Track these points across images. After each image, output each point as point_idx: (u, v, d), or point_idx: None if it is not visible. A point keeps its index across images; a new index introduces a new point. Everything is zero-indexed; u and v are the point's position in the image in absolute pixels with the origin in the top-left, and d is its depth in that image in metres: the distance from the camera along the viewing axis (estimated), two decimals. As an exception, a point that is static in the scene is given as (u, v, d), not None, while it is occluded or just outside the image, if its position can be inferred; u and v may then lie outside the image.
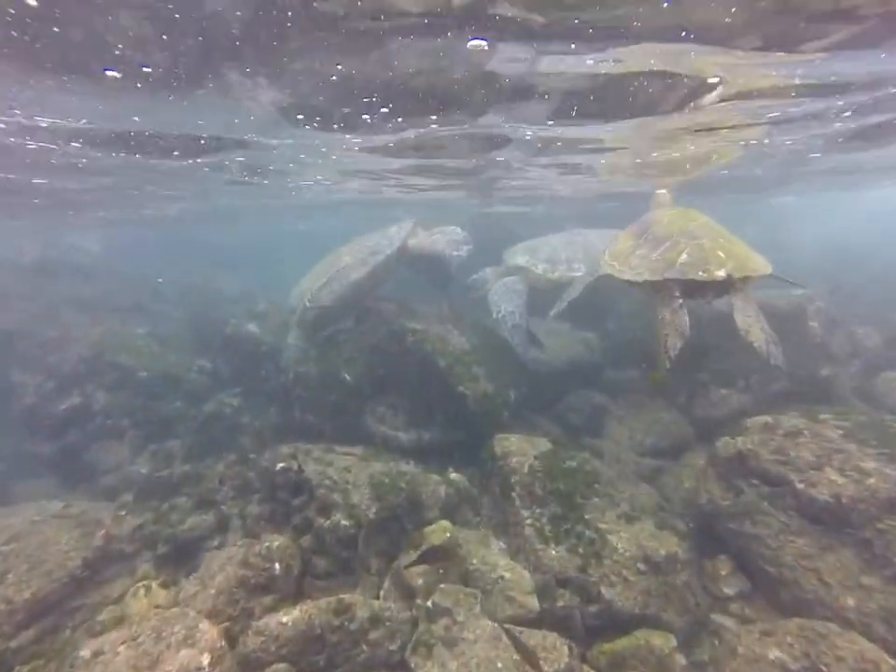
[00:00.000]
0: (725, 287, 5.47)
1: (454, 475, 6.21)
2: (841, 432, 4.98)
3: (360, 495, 5.21)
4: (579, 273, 8.10)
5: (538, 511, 5.18)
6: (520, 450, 5.90)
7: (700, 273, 5.29)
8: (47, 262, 12.53)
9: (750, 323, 5.39)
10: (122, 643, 3.55)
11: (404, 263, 8.97)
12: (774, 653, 3.76)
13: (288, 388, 7.38)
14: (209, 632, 3.58)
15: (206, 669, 3.36)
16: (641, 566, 4.56)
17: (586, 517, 5.03)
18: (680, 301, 5.42)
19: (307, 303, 8.01)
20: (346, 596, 4.39)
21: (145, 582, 4.67)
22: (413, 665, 4.16)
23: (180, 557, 5.25)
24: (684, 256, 5.45)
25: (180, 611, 3.85)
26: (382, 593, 4.79)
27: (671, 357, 5.19)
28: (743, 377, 6.98)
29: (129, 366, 8.39)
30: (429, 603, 4.48)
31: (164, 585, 4.75)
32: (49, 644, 4.02)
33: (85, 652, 3.52)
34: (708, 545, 5.13)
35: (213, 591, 4.24)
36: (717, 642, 4.34)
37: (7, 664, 3.76)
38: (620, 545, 4.69)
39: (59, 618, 4.31)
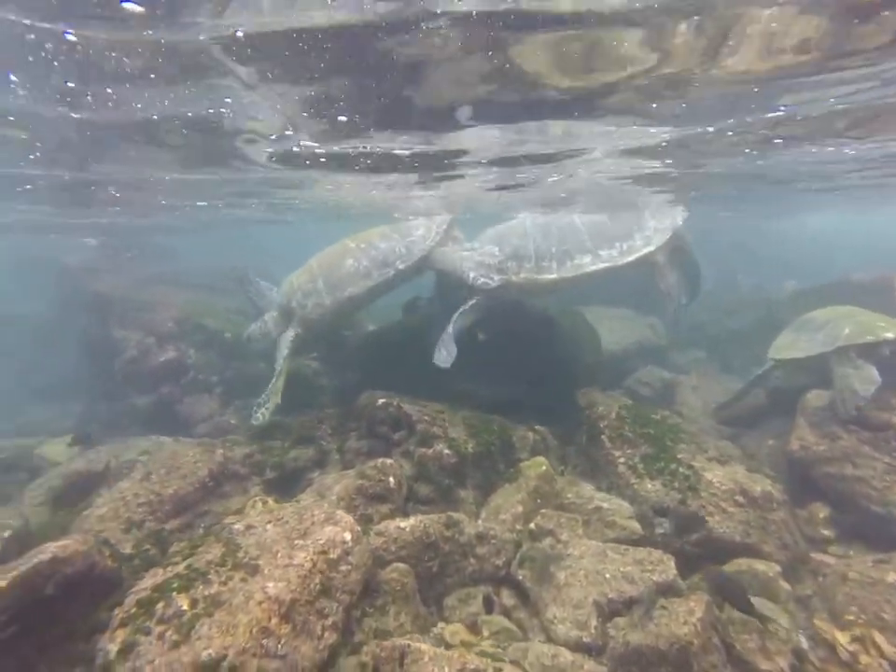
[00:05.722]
0: None
1: (538, 427, 6.43)
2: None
3: (457, 431, 5.49)
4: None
5: (629, 451, 5.36)
6: (604, 401, 6.11)
7: None
8: (125, 245, 13.39)
9: None
10: (269, 522, 3.87)
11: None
12: (894, 577, 3.82)
13: (368, 349, 7.72)
14: (346, 517, 3.87)
15: (349, 545, 3.64)
16: (739, 498, 4.68)
17: (678, 457, 5.17)
18: None
19: (295, 307, 6.71)
20: (454, 514, 4.63)
21: (260, 497, 5.00)
22: (520, 578, 4.37)
23: (285, 484, 5.59)
24: None
25: (314, 502, 4.17)
26: (481, 521, 5.01)
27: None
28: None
29: (215, 328, 8.90)
30: (532, 525, 4.69)
31: (277, 502, 5.06)
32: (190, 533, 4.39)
33: (239, 526, 3.86)
34: (801, 493, 5.20)
35: (333, 498, 4.54)
36: (821, 578, 4.40)
37: (164, 541, 4.16)
38: (716, 480, 4.82)
39: (193, 517, 4.69)
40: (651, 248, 6.66)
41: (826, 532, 4.81)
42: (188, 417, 7.81)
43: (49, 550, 3.14)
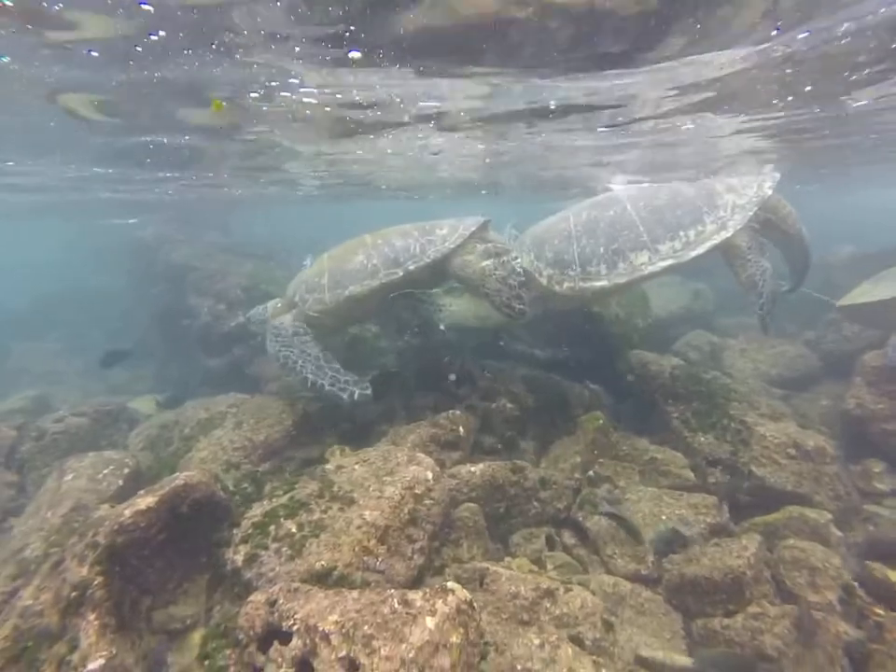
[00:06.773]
0: None
1: (592, 385, 6.71)
2: None
3: (517, 387, 5.84)
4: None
5: (682, 407, 5.61)
6: (656, 361, 6.32)
7: None
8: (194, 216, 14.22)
9: None
10: (356, 463, 4.35)
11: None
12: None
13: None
14: (428, 459, 4.31)
15: (431, 482, 4.08)
16: (791, 451, 4.89)
17: (730, 413, 5.39)
18: None
19: (297, 301, 6.34)
20: (518, 462, 5.02)
21: (338, 447, 5.50)
22: (580, 519, 4.74)
23: (356, 435, 6.07)
24: None
25: (395, 447, 4.62)
26: (541, 469, 5.39)
27: None
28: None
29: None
30: (591, 473, 5.04)
31: (353, 451, 5.56)
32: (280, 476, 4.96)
33: (330, 466, 4.36)
34: (855, 451, 5.35)
35: (409, 445, 4.98)
36: (872, 527, 4.60)
37: (259, 481, 4.72)
38: (768, 434, 5.03)
39: (280, 462, 5.25)
40: (728, 234, 5.28)
41: (880, 486, 4.97)
42: (258, 377, 8.43)
43: (181, 477, 3.68)
